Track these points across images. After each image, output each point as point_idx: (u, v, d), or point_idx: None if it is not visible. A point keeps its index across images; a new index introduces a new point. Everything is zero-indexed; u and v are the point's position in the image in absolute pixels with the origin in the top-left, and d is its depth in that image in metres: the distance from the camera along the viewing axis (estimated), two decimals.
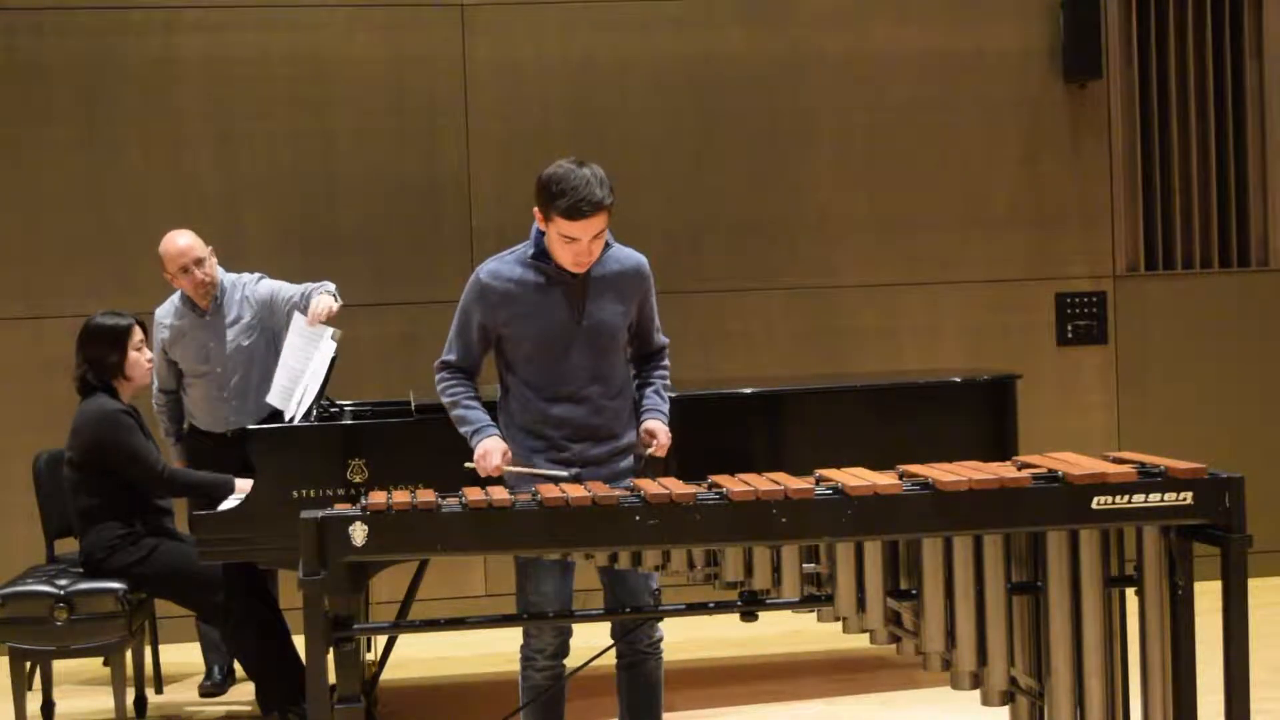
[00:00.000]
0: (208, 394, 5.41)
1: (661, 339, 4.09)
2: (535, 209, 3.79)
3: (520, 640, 3.97)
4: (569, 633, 3.95)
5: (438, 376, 3.98)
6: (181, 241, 5.32)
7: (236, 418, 5.37)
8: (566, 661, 3.97)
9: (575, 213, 3.69)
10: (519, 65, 6.56)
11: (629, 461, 3.95)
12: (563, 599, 3.89)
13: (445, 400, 3.96)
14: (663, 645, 4.05)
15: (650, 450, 3.92)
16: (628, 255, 3.95)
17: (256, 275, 5.51)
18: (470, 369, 3.97)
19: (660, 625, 4.05)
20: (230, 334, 5.38)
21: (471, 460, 3.84)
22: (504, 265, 3.88)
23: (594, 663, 3.93)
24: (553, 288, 3.84)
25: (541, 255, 3.85)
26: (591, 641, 4.01)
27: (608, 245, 3.88)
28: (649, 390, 4.04)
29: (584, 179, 3.70)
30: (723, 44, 6.66)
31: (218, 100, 6.41)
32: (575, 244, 3.75)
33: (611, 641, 4.01)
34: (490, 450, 3.81)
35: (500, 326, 3.87)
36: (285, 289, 5.37)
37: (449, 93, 6.52)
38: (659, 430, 3.93)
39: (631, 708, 4.05)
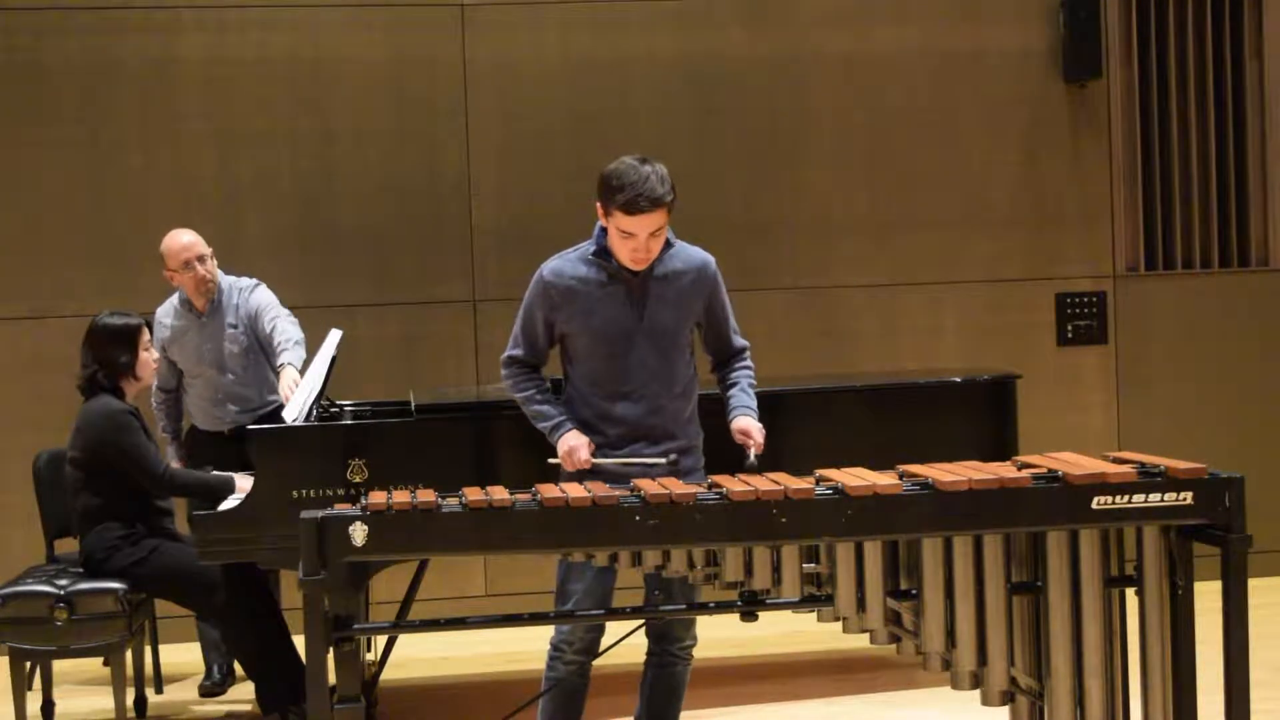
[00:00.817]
0: (205, 394, 5.44)
1: (741, 341, 4.11)
2: (597, 204, 3.81)
3: (547, 637, 3.99)
4: (601, 631, 3.97)
5: (505, 372, 4.01)
6: (185, 238, 5.39)
7: (236, 417, 5.40)
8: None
9: (633, 207, 3.72)
10: (519, 65, 6.56)
11: (686, 463, 3.94)
12: (600, 598, 3.89)
13: (518, 396, 4.00)
14: (694, 651, 4.07)
15: (753, 453, 3.90)
16: (694, 254, 3.98)
17: (253, 282, 5.53)
18: (536, 364, 4.00)
19: (696, 633, 4.06)
20: (226, 336, 5.39)
21: (554, 456, 3.87)
22: (566, 263, 3.91)
23: (614, 662, 3.93)
24: (614, 285, 3.87)
25: (603, 253, 3.88)
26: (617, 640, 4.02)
27: (670, 244, 3.90)
28: (735, 389, 4.05)
29: (644, 175, 3.74)
30: (723, 44, 6.66)
31: (218, 100, 6.41)
32: (633, 240, 3.77)
33: (644, 634, 4.03)
34: (576, 446, 3.83)
35: (562, 323, 3.90)
36: (267, 313, 5.40)
37: (449, 93, 6.52)
38: (751, 428, 3.94)
39: (652, 708, 4.07)
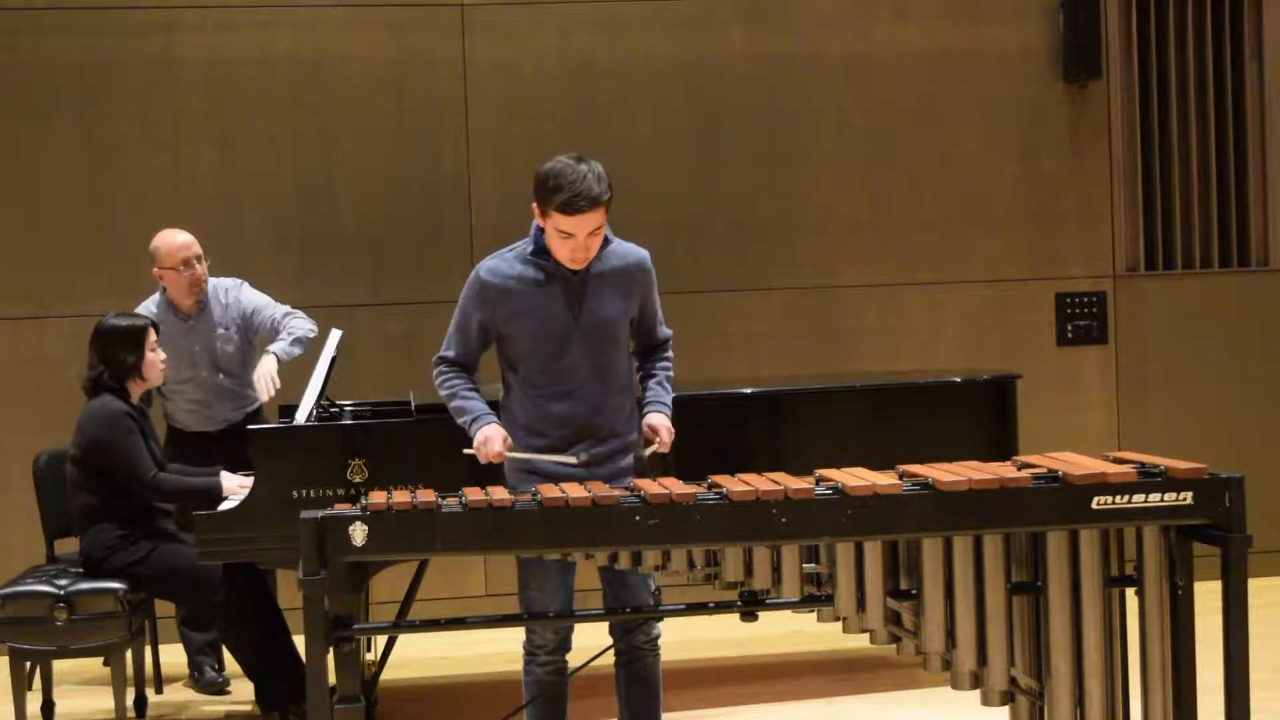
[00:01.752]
0: (195, 396, 5.43)
1: (665, 331, 4.09)
2: (534, 204, 3.79)
3: (522, 638, 3.97)
4: (570, 628, 3.95)
5: (435, 371, 3.98)
6: (181, 237, 5.40)
7: (229, 415, 5.42)
8: (568, 659, 3.97)
9: (571, 208, 3.70)
10: (519, 65, 6.56)
11: (630, 460, 3.93)
12: (563, 596, 3.89)
13: (443, 393, 3.97)
14: (660, 643, 4.05)
15: (652, 449, 3.91)
16: (628, 250, 3.94)
17: (237, 281, 5.53)
18: (468, 365, 3.97)
19: (658, 623, 4.05)
20: (218, 337, 5.40)
21: (470, 447, 3.84)
22: (503, 262, 3.89)
23: (594, 662, 3.93)
24: (552, 284, 3.84)
25: (541, 252, 3.85)
26: (592, 642, 4.01)
27: (608, 241, 3.88)
28: (651, 382, 4.03)
29: (581, 174, 3.71)
30: (723, 44, 6.66)
31: (218, 100, 6.40)
32: (572, 240, 3.75)
33: (611, 640, 4.01)
34: (490, 437, 3.81)
35: (500, 324, 3.87)
36: (265, 310, 5.43)
37: (449, 93, 6.52)
38: (660, 426, 3.93)
39: (631, 705, 4.05)
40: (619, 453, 3.91)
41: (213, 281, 5.47)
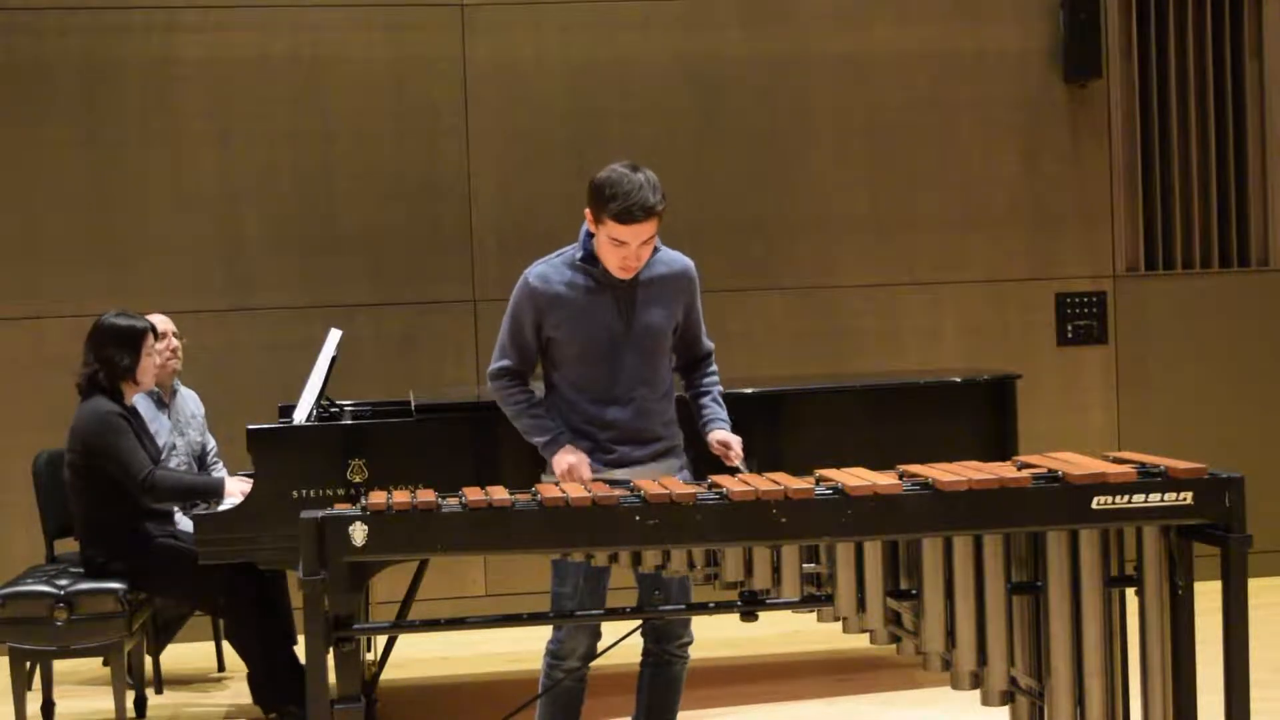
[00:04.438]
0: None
1: (708, 344, 4.11)
2: (587, 210, 3.79)
3: (547, 637, 3.97)
4: (598, 637, 3.95)
5: (496, 384, 3.96)
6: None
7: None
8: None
9: (627, 216, 3.70)
10: (519, 65, 6.56)
11: (670, 462, 3.96)
12: (595, 600, 3.88)
13: (509, 409, 3.95)
14: (691, 650, 4.06)
15: (735, 463, 3.91)
16: (675, 258, 3.97)
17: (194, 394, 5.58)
18: (526, 373, 3.98)
19: (693, 630, 4.06)
20: (184, 433, 5.41)
21: (548, 470, 3.86)
22: (552, 268, 3.89)
23: (611, 662, 3.93)
24: (602, 291, 3.85)
25: (589, 258, 3.86)
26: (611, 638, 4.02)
27: (655, 248, 3.89)
28: (706, 399, 4.06)
29: (638, 184, 3.72)
30: (723, 44, 6.66)
31: (218, 100, 6.41)
32: (624, 248, 3.76)
33: (640, 634, 4.02)
34: (576, 464, 3.80)
35: (549, 329, 3.87)
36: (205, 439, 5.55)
37: (449, 93, 6.52)
38: (732, 440, 3.96)
39: (651, 708, 4.06)
40: (659, 456, 3.94)
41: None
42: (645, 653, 4.06)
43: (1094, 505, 3.27)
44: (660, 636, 4.03)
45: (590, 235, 3.84)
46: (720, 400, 4.07)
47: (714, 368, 4.12)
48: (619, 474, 3.79)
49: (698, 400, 4.07)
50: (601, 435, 3.88)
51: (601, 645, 3.96)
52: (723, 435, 3.97)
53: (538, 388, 4.04)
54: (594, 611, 3.84)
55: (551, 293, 3.85)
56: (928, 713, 4.93)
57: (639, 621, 4.02)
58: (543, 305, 3.85)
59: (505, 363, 3.93)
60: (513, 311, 3.91)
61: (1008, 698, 3.41)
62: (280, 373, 6.02)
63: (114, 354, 4.86)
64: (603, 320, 3.84)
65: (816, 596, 3.36)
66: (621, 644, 4.00)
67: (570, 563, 3.81)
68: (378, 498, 3.34)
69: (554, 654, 3.93)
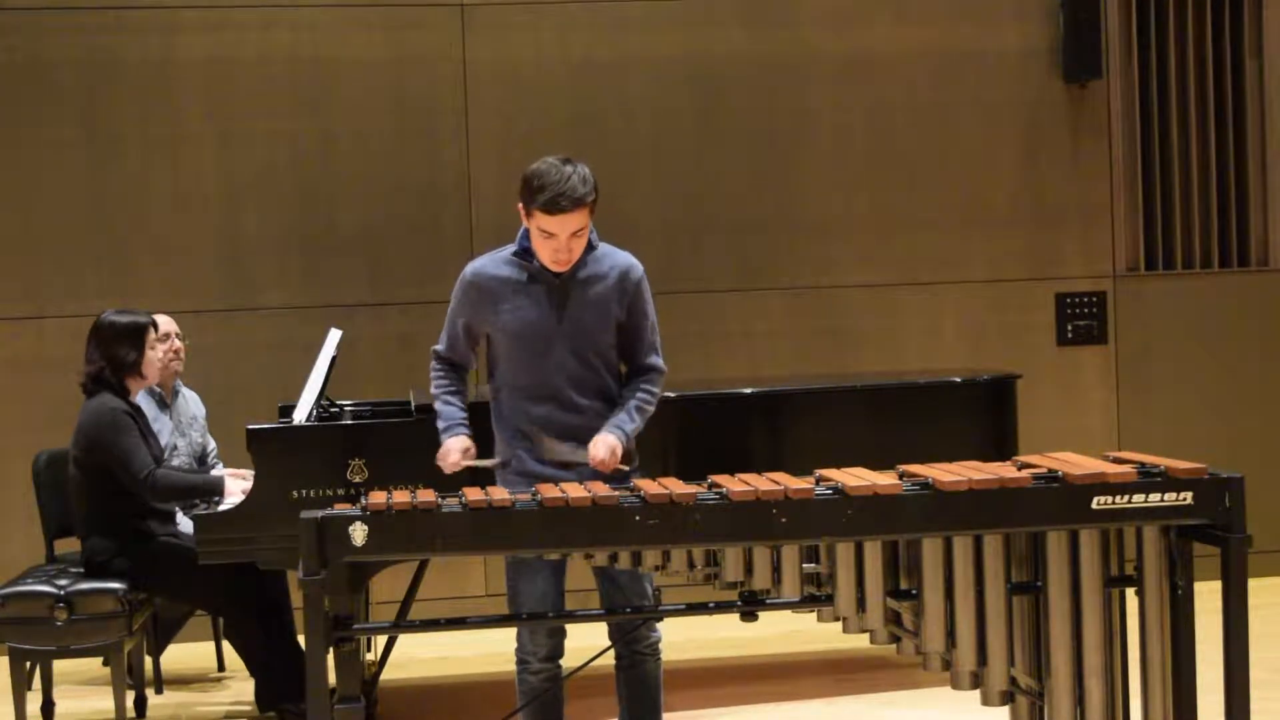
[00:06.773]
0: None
1: (655, 359, 3.95)
2: (519, 205, 3.80)
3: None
4: (563, 634, 3.94)
5: (431, 365, 4.04)
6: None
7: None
8: (563, 663, 3.96)
9: (553, 207, 3.71)
10: (519, 65, 6.56)
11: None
12: (553, 599, 3.88)
13: (431, 390, 4.03)
14: (661, 646, 4.04)
15: (576, 454, 3.77)
16: (618, 258, 3.93)
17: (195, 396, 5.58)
18: (459, 363, 4.01)
19: (658, 626, 4.04)
20: (185, 434, 5.41)
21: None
22: (489, 263, 3.92)
23: (594, 663, 3.93)
24: (535, 286, 3.85)
25: (525, 253, 3.87)
26: (590, 642, 4.01)
27: (594, 246, 3.88)
28: (622, 405, 3.89)
29: (565, 175, 3.73)
30: (723, 44, 6.65)
31: (218, 100, 6.40)
32: (554, 240, 3.76)
33: (609, 642, 4.00)
34: (448, 449, 3.87)
35: (484, 323, 3.90)
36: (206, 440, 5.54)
37: (449, 93, 6.52)
38: (599, 443, 3.77)
39: (632, 710, 4.04)
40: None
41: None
42: (617, 656, 4.02)
43: (1094, 505, 3.27)
44: (626, 639, 3.99)
45: (527, 231, 3.85)
46: (634, 414, 3.86)
47: (652, 386, 3.92)
48: (550, 471, 3.77)
49: (616, 405, 3.90)
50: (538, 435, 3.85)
51: (574, 663, 3.92)
52: (600, 434, 3.79)
53: (482, 391, 4.03)
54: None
55: (485, 286, 3.87)
56: (928, 713, 4.93)
57: (609, 643, 3.98)
58: (475, 299, 3.88)
59: (439, 348, 4.01)
60: (451, 303, 3.97)
61: (1008, 698, 3.41)
62: (280, 373, 6.02)
63: (118, 350, 4.87)
64: (534, 314, 3.83)
65: (816, 596, 3.36)
66: (604, 641, 3.99)
67: (531, 562, 3.80)
68: (378, 497, 3.34)
69: (521, 658, 3.93)
